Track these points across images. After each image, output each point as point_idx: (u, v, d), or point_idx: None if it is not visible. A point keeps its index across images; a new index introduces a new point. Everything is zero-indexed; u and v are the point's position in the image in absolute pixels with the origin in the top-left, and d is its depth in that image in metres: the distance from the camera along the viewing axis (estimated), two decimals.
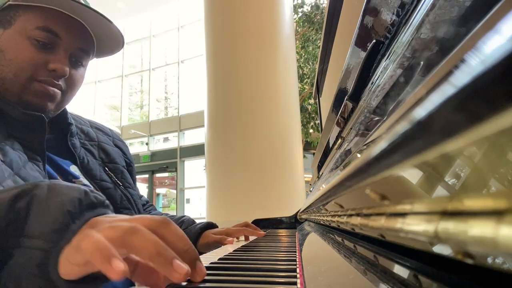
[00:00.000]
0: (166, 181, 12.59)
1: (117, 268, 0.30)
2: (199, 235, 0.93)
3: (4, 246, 0.35)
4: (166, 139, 12.33)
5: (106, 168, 0.83)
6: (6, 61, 0.67)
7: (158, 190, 12.51)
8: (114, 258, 0.30)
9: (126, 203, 0.81)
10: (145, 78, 12.67)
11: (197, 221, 1.01)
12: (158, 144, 12.40)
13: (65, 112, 0.78)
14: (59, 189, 0.38)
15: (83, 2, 0.70)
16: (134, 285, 0.37)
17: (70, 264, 0.33)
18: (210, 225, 0.96)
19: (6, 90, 0.67)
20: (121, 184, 0.83)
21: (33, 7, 0.68)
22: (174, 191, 11.65)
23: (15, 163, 0.60)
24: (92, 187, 0.75)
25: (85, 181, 0.75)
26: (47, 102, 0.70)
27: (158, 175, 12.23)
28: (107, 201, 0.41)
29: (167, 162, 11.58)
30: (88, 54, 0.75)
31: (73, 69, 0.73)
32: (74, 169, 0.77)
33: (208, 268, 0.50)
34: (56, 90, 0.70)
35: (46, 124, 0.68)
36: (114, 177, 0.83)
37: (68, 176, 0.73)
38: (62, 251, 0.34)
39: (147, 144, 12.21)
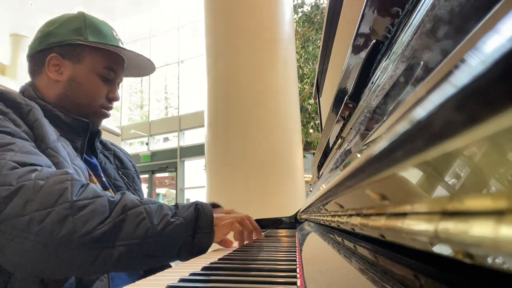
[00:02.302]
0: (166, 181, 12.59)
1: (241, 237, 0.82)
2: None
3: (195, 232, 0.72)
4: (166, 139, 12.32)
5: (120, 172, 1.01)
6: (83, 92, 0.89)
7: (158, 190, 12.51)
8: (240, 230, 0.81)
9: None
10: (145, 78, 12.66)
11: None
12: (158, 144, 12.39)
13: None
14: (204, 205, 0.76)
15: (126, 47, 0.94)
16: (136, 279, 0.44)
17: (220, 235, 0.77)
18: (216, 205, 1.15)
19: (76, 110, 0.88)
20: (132, 186, 1.01)
21: (99, 49, 0.90)
22: (174, 191, 11.64)
23: (70, 155, 0.79)
24: (107, 183, 0.95)
25: (104, 178, 0.95)
26: (102, 120, 0.96)
27: (158, 175, 12.23)
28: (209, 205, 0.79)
29: (167, 162, 11.58)
30: (122, 80, 1.00)
31: (118, 93, 0.98)
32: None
33: (208, 268, 0.50)
34: (110, 112, 0.97)
35: (89, 129, 0.90)
36: (126, 180, 1.01)
37: (96, 171, 0.93)
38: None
39: (147, 144, 12.20)
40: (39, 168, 0.64)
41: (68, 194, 0.62)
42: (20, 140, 0.68)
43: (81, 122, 0.88)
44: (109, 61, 0.91)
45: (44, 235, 0.59)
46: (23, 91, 0.87)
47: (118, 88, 0.98)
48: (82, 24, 0.89)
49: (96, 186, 0.69)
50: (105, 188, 0.91)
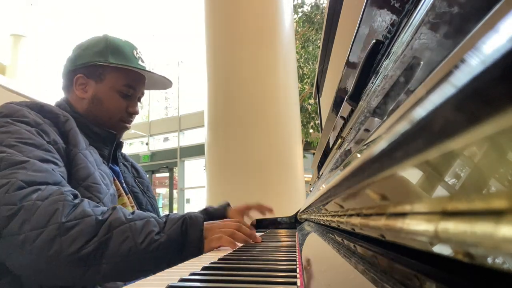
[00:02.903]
0: (166, 181, 12.59)
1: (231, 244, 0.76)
2: (225, 210, 1.27)
3: (181, 248, 0.74)
4: (166, 139, 12.31)
5: (136, 180, 1.13)
6: (104, 108, 1.00)
7: (158, 190, 12.51)
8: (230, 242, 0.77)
9: (150, 207, 1.10)
10: None
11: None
12: (158, 144, 12.38)
13: None
14: (193, 219, 0.78)
15: (145, 66, 1.04)
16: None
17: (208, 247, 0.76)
18: (229, 205, 1.30)
19: (99, 123, 0.99)
20: (147, 193, 1.13)
21: (119, 69, 1.00)
22: (174, 191, 11.63)
23: (97, 161, 0.90)
24: (126, 189, 1.06)
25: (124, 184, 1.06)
26: (123, 132, 1.06)
27: (158, 175, 12.22)
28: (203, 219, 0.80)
29: (167, 162, 11.58)
30: (144, 94, 1.10)
31: (138, 107, 1.08)
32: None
33: (208, 268, 0.50)
34: (130, 125, 1.07)
35: (116, 140, 1.02)
36: (141, 187, 1.13)
37: (118, 178, 1.04)
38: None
39: (147, 144, 12.20)
40: (43, 187, 0.70)
41: (58, 215, 0.67)
42: (35, 160, 0.74)
43: (109, 133, 1.00)
44: (128, 79, 1.01)
45: (36, 253, 0.65)
46: (59, 105, 0.99)
47: (140, 102, 1.09)
48: (104, 46, 1.00)
49: (87, 204, 0.72)
50: (125, 193, 1.02)
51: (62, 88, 1.03)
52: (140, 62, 1.03)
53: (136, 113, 1.06)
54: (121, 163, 1.10)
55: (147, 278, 0.46)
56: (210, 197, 2.98)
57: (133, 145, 12.69)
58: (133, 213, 0.76)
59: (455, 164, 0.12)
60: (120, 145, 1.08)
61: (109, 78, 0.99)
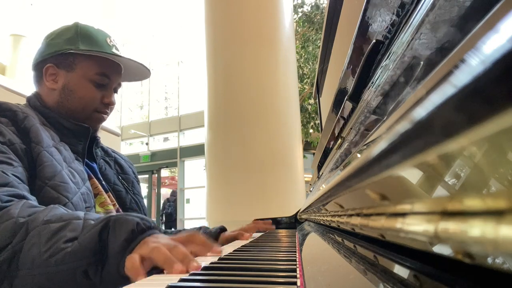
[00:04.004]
0: (166, 181, 12.59)
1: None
2: (218, 234, 1.14)
3: (98, 261, 0.55)
4: (166, 139, 12.32)
5: (120, 177, 1.05)
6: (76, 98, 0.93)
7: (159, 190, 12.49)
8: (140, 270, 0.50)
9: (135, 205, 1.03)
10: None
11: (200, 223, 1.24)
12: (158, 144, 12.39)
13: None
14: (121, 223, 0.56)
15: (119, 53, 0.97)
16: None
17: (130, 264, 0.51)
18: (224, 229, 1.18)
19: (72, 116, 0.93)
20: (131, 190, 1.05)
21: (91, 56, 0.93)
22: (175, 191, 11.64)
23: (68, 159, 0.84)
24: (106, 187, 0.98)
25: (103, 182, 0.98)
26: (99, 124, 0.99)
27: (157, 175, 12.21)
28: (153, 224, 0.59)
29: (167, 162, 11.58)
30: (121, 85, 1.03)
31: (114, 98, 1.00)
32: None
33: (208, 268, 0.50)
34: (106, 116, 0.99)
35: (89, 134, 0.94)
36: (126, 185, 1.05)
37: (96, 175, 0.97)
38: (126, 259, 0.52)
39: (147, 144, 12.20)
40: None
41: None
42: None
43: (81, 127, 0.93)
44: (102, 67, 0.94)
45: None
46: (29, 100, 0.94)
47: (116, 93, 1.01)
48: (74, 33, 0.94)
49: (22, 205, 0.62)
50: (104, 191, 0.95)
51: (33, 82, 0.97)
52: (114, 50, 0.96)
53: (112, 103, 0.98)
54: (101, 160, 1.04)
55: (147, 278, 0.46)
56: (210, 197, 2.98)
57: (133, 145, 12.69)
58: (86, 214, 0.62)
59: (455, 164, 0.12)
60: (95, 140, 1.00)
61: (81, 66, 0.93)
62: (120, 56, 0.96)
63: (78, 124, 0.92)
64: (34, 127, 0.81)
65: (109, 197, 0.96)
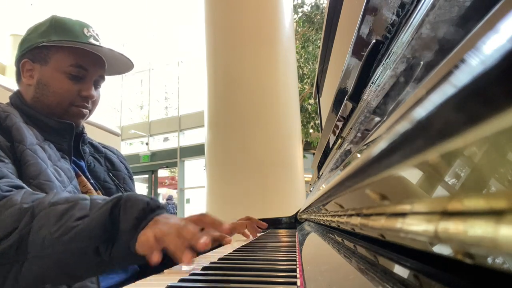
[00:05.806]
0: (166, 181, 12.59)
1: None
2: None
3: (108, 238, 0.56)
4: (166, 139, 12.32)
5: (110, 174, 1.01)
6: (50, 92, 0.88)
7: (158, 190, 12.50)
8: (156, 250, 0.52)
9: None
10: (145, 78, 12.66)
11: None
12: (158, 144, 12.39)
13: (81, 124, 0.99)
14: (132, 201, 0.58)
15: (98, 44, 0.91)
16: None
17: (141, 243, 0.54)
18: None
19: (50, 112, 0.88)
20: (122, 187, 1.01)
21: (64, 47, 0.88)
22: (175, 191, 11.64)
23: (53, 157, 0.81)
24: (96, 185, 0.94)
25: (91, 180, 0.94)
26: (80, 120, 0.92)
27: (158, 175, 12.21)
28: (162, 205, 0.60)
29: (167, 162, 11.58)
30: (104, 78, 0.97)
31: (95, 92, 0.94)
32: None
33: (208, 268, 0.50)
34: (86, 110, 0.93)
35: (74, 131, 0.90)
36: (117, 181, 1.01)
37: (84, 173, 0.93)
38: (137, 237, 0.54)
39: (147, 144, 12.20)
40: None
41: None
42: None
43: (64, 124, 0.89)
44: (76, 59, 0.89)
45: None
46: (11, 99, 0.91)
47: (99, 86, 0.96)
48: (48, 26, 0.90)
49: (22, 193, 0.63)
50: (94, 189, 0.92)
51: (15, 80, 0.94)
52: (91, 40, 0.90)
53: (91, 97, 0.91)
54: (90, 156, 0.99)
55: (147, 278, 0.46)
56: (210, 197, 2.98)
57: (133, 145, 12.69)
58: (86, 197, 0.62)
59: (454, 164, 0.12)
60: (81, 136, 0.95)
61: (54, 59, 0.88)
62: (100, 46, 0.90)
63: (61, 121, 0.88)
64: (16, 125, 0.78)
65: (98, 195, 0.91)
